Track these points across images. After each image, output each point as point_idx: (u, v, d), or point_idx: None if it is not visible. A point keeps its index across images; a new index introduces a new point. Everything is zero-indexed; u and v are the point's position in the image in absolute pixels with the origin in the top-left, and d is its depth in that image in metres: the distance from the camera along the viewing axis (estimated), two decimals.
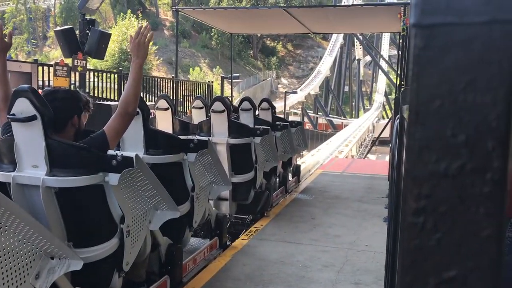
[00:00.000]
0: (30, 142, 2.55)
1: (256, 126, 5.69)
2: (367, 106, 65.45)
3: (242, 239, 5.14)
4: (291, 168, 7.87)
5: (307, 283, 4.00)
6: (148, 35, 2.91)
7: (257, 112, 6.65)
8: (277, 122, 6.80)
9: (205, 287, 3.89)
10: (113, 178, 2.63)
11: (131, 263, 2.87)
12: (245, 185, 5.41)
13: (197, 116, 6.09)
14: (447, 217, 0.41)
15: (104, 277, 2.79)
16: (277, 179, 7.04)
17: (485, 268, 0.41)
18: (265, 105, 7.11)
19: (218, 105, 5.26)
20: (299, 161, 9.36)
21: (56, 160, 2.56)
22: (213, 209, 4.77)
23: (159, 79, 12.46)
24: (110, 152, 2.69)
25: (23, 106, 2.49)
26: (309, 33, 12.53)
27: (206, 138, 4.01)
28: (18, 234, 2.14)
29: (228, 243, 4.88)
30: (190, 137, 4.14)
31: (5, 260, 2.13)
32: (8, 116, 2.57)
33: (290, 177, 7.75)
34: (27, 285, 2.20)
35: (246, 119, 6.17)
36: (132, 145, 3.53)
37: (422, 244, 0.42)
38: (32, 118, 2.48)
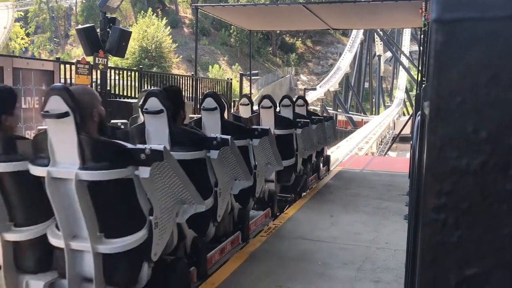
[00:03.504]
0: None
1: (297, 120, 6.61)
2: (387, 103, 64.79)
3: (261, 236, 5.15)
4: (322, 158, 8.84)
5: (327, 281, 3.99)
6: None
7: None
8: (312, 117, 7.72)
9: (224, 284, 3.91)
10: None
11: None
12: (288, 169, 6.16)
13: (244, 112, 7.17)
14: (468, 213, 0.41)
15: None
16: (312, 166, 7.86)
17: (507, 265, 0.41)
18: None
19: (266, 102, 6.24)
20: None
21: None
22: (266, 185, 5.64)
23: (179, 77, 12.52)
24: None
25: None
26: (329, 29, 12.44)
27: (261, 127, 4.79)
28: (172, 182, 2.93)
29: (277, 214, 5.99)
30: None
31: (165, 198, 2.85)
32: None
33: (321, 165, 8.70)
34: (172, 221, 2.96)
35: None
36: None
37: (443, 241, 0.41)
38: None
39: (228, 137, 3.97)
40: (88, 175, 2.64)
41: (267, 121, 6.25)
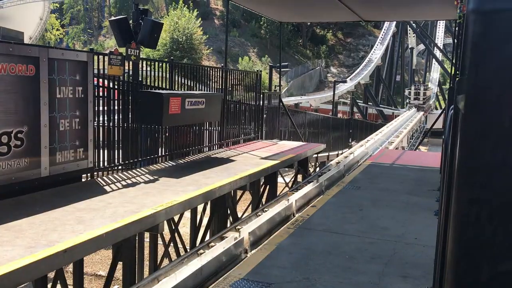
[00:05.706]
0: None
1: None
2: None
3: (288, 228, 5.15)
4: None
5: (354, 275, 3.97)
6: None
7: None
8: None
9: (251, 274, 3.94)
10: None
11: None
12: None
13: None
14: (502, 208, 0.40)
15: None
16: None
17: None
18: None
19: None
20: (348, 152, 9.33)
21: None
22: None
23: (209, 69, 12.57)
24: None
25: None
26: (361, 21, 12.26)
27: None
28: None
29: None
30: None
31: None
32: None
33: None
34: None
35: None
36: None
37: (475, 236, 0.41)
38: None
39: None
40: None
41: None
